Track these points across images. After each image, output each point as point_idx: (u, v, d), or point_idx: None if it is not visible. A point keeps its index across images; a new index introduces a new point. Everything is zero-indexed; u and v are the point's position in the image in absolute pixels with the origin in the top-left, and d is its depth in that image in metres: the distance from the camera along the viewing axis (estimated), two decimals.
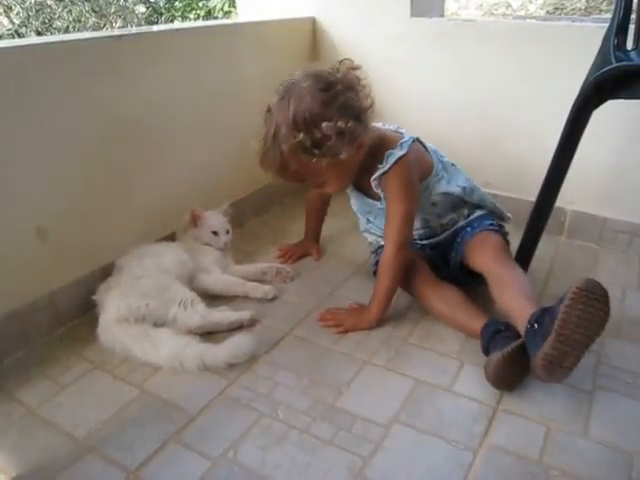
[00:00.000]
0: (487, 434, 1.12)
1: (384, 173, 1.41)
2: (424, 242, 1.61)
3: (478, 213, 1.58)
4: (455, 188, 1.52)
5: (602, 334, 1.10)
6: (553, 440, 1.10)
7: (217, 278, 1.60)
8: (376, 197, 1.50)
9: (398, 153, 1.40)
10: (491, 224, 1.54)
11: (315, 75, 1.31)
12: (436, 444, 1.10)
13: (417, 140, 1.50)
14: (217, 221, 1.73)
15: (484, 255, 1.45)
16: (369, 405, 1.20)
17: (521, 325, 1.22)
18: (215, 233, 1.70)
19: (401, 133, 1.49)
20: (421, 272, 1.50)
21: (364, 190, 1.54)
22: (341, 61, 1.35)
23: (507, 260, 1.44)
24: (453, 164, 1.58)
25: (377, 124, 1.49)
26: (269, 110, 1.33)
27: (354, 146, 1.31)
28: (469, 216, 1.58)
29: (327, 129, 1.25)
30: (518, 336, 1.23)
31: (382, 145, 1.43)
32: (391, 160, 1.40)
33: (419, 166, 1.47)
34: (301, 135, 1.26)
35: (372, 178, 1.43)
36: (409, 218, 1.43)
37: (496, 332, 1.29)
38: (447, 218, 1.57)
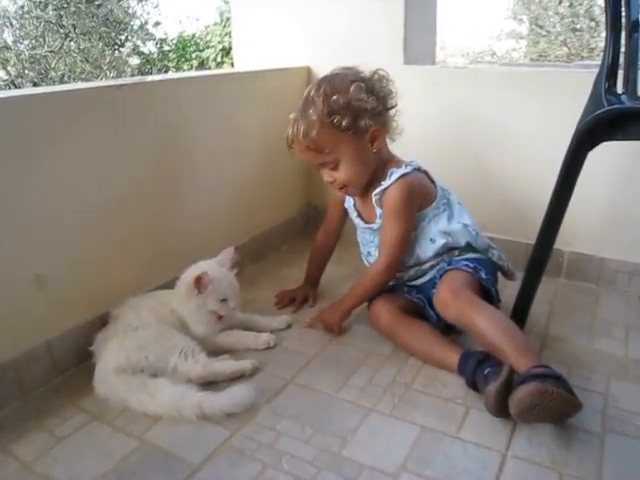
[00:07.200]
0: None
1: (385, 189, 1.47)
2: (412, 283, 1.60)
3: (468, 256, 1.54)
4: (455, 225, 1.52)
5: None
6: None
7: (219, 340, 1.53)
8: (372, 220, 1.55)
9: (401, 171, 1.47)
10: (466, 264, 1.49)
11: (349, 68, 1.51)
12: None
13: (425, 173, 1.55)
14: (227, 284, 1.52)
15: (440, 291, 1.42)
16: (376, 454, 1.16)
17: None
18: (224, 300, 1.52)
19: (411, 163, 1.53)
20: (389, 309, 1.51)
21: (364, 216, 1.59)
22: (376, 69, 1.52)
23: (463, 294, 1.38)
24: (459, 203, 1.59)
25: None
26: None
27: (371, 128, 1.43)
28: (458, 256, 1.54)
29: (355, 92, 1.41)
30: (500, 362, 1.25)
31: (387, 165, 1.50)
32: (394, 177, 1.46)
33: (420, 193, 1.50)
34: (329, 100, 1.41)
35: (374, 192, 1.49)
36: (404, 238, 1.48)
37: (478, 364, 1.30)
38: (438, 259, 1.55)
